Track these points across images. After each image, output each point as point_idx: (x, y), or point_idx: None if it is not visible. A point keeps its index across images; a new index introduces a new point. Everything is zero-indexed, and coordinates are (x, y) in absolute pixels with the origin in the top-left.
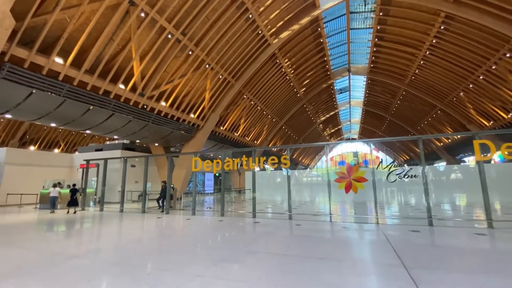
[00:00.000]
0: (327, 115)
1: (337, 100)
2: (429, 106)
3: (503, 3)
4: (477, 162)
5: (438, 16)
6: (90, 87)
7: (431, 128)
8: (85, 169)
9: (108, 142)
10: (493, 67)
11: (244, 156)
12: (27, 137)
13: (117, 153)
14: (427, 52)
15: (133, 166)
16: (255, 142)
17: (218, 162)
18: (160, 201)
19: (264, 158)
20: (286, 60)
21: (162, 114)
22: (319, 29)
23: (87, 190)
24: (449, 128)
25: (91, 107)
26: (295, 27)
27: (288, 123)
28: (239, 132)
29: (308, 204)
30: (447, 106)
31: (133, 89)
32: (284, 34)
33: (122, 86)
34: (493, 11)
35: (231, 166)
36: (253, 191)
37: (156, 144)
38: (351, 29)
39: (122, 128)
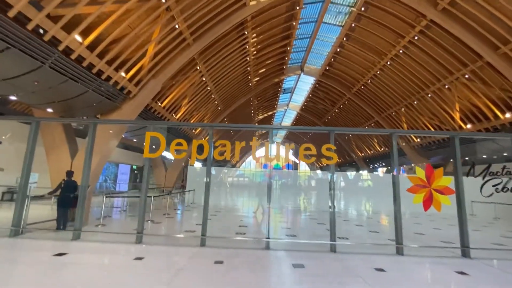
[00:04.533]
0: (265, 115)
1: (279, 101)
2: (365, 118)
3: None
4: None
5: (418, 25)
6: None
7: (356, 139)
8: None
9: None
10: (446, 86)
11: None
12: None
13: None
14: (388, 63)
15: None
16: (193, 131)
17: (204, 145)
18: (62, 212)
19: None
20: (254, 35)
21: (73, 57)
22: (297, 7)
23: None
24: (376, 141)
25: None
26: None
27: (230, 115)
28: (178, 115)
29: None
30: (384, 119)
31: None
32: None
33: None
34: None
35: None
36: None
37: (50, 110)
38: (323, 22)
39: None
